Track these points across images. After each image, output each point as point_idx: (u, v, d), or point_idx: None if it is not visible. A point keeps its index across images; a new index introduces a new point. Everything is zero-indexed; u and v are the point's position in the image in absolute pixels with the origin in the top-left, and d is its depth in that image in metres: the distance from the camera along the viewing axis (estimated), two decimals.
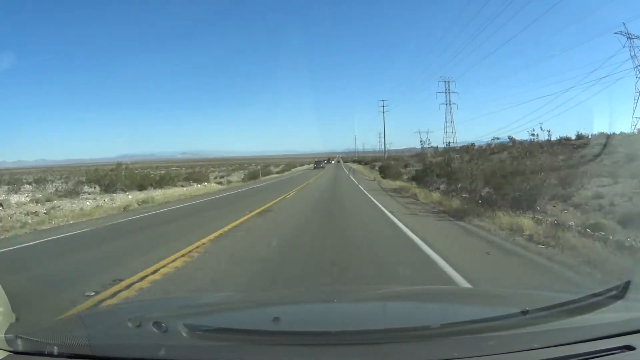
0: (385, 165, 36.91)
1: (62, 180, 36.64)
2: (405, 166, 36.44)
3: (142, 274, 4.98)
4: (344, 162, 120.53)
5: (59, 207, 14.40)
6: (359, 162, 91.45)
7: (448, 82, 64.14)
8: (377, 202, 13.27)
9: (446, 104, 64.94)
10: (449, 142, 62.69)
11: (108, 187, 22.23)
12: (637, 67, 33.31)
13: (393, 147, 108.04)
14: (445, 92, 64.39)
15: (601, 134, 22.11)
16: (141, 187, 23.32)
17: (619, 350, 1.18)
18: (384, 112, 73.14)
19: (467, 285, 4.19)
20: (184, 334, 1.28)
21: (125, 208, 14.52)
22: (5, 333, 1.36)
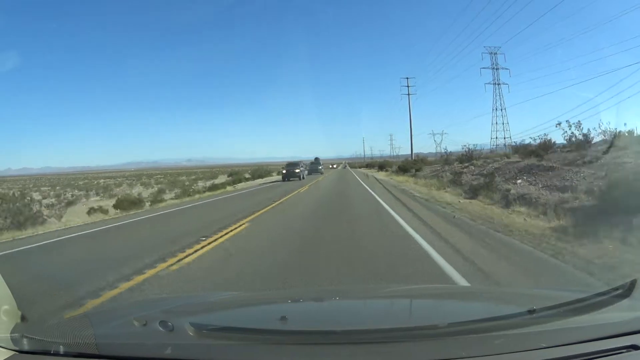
0: None
1: None
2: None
3: None
4: (352, 167, 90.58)
5: None
6: (381, 167, 56.09)
7: (495, 54, 43.70)
8: None
9: (493, 84, 45.17)
10: (496, 138, 42.08)
11: None
12: None
13: (402, 153, 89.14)
14: (492, 69, 44.50)
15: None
16: None
17: (625, 350, 1.19)
18: (409, 94, 48.10)
19: None
20: (191, 333, 1.28)
21: None
22: (11, 332, 1.36)
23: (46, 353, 1.28)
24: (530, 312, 1.33)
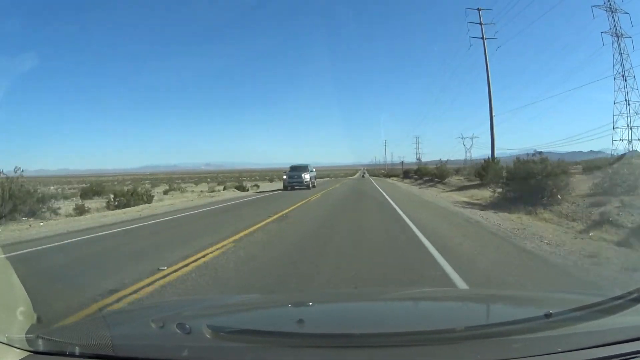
0: None
1: None
2: None
3: None
4: (373, 176, 74.60)
5: None
6: (444, 179, 30.42)
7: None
8: None
9: (611, 34, 26.27)
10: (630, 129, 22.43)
11: None
12: None
13: (425, 159, 76.96)
14: (607, 10, 25.78)
15: None
16: None
17: None
18: (483, 37, 25.47)
19: None
20: (208, 335, 1.28)
21: None
22: (26, 333, 1.35)
23: (61, 354, 1.27)
24: (547, 315, 1.33)
